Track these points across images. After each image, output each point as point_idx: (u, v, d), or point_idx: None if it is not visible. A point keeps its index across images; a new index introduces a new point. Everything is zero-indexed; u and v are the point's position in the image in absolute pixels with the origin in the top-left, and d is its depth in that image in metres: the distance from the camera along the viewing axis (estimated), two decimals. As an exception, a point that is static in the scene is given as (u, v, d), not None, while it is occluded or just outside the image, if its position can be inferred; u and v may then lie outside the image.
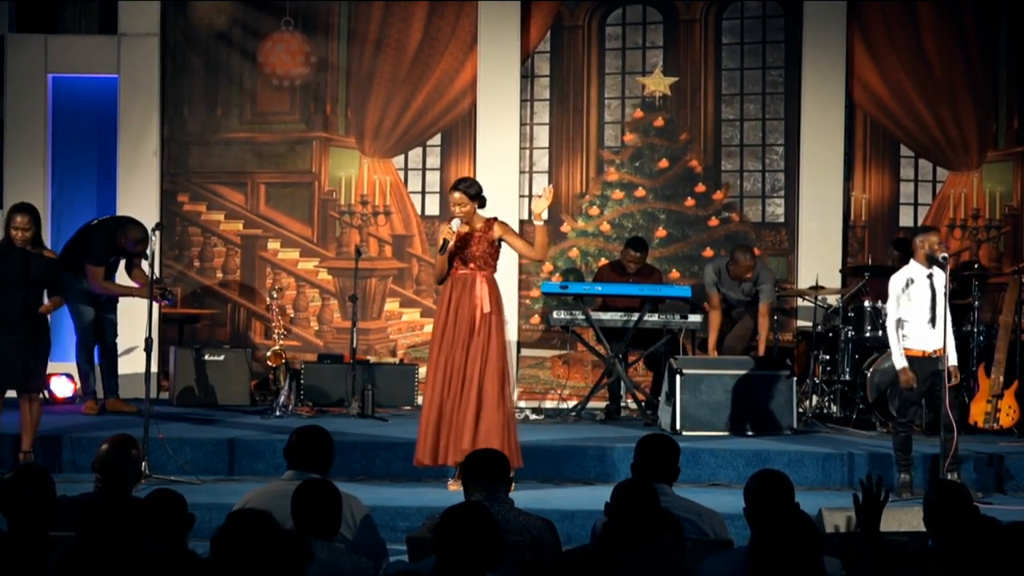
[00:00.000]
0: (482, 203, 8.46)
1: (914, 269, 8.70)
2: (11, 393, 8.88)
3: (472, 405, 8.29)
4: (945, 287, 8.59)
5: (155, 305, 9.07)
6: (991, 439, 9.88)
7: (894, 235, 11.78)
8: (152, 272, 9.03)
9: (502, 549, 4.49)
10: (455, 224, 8.36)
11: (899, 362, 8.69)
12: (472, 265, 8.42)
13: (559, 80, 12.01)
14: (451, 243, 8.35)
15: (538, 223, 8.46)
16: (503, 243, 8.51)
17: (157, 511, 4.83)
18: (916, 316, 8.66)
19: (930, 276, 8.69)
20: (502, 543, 4.50)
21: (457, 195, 8.40)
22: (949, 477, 8.40)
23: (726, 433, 9.98)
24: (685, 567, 4.70)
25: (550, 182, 11.90)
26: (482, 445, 8.03)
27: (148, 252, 9.05)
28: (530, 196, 11.90)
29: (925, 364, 8.64)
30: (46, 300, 8.88)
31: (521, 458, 8.47)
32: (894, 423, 8.96)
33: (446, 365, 8.37)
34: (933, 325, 8.64)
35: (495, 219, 8.52)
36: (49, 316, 8.95)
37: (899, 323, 8.67)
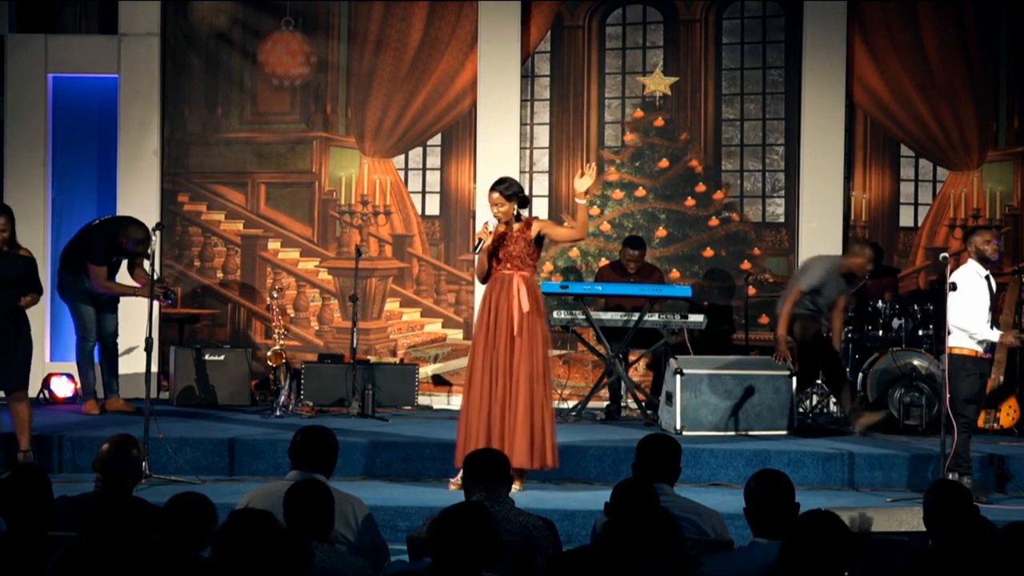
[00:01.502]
0: (522, 203, 8.47)
1: (976, 269, 8.70)
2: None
3: (520, 405, 8.29)
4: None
5: (155, 305, 9.07)
6: (991, 439, 9.89)
7: (894, 235, 11.81)
8: (153, 272, 9.04)
9: (498, 550, 4.48)
10: (491, 224, 8.38)
11: (994, 335, 8.63)
12: (509, 265, 8.42)
13: (559, 80, 12.01)
14: (486, 243, 8.36)
15: (580, 202, 8.43)
16: (545, 239, 8.52)
17: (183, 513, 4.81)
18: (973, 314, 8.65)
19: (987, 277, 8.70)
20: (498, 544, 4.49)
21: (495, 196, 8.42)
22: (950, 477, 8.42)
23: (726, 433, 9.98)
24: None
25: (550, 182, 11.92)
26: (533, 444, 8.16)
27: (150, 252, 9.07)
28: (530, 195, 11.90)
29: (980, 364, 8.65)
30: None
31: (558, 458, 8.51)
32: (959, 423, 8.59)
33: (492, 367, 8.36)
34: (994, 325, 8.65)
35: (535, 217, 8.55)
36: (28, 313, 8.90)
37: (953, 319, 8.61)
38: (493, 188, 8.47)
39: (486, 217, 8.57)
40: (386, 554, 5.68)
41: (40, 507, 4.97)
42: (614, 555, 4.50)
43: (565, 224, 11.11)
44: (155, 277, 9.09)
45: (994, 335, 8.64)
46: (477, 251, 8.42)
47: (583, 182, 8.36)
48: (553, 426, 8.46)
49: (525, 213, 8.52)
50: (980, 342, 8.62)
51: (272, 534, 4.25)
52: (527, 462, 8.26)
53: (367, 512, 5.74)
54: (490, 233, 8.36)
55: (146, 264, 9.33)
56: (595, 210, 12.01)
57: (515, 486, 8.30)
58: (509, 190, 8.43)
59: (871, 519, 6.04)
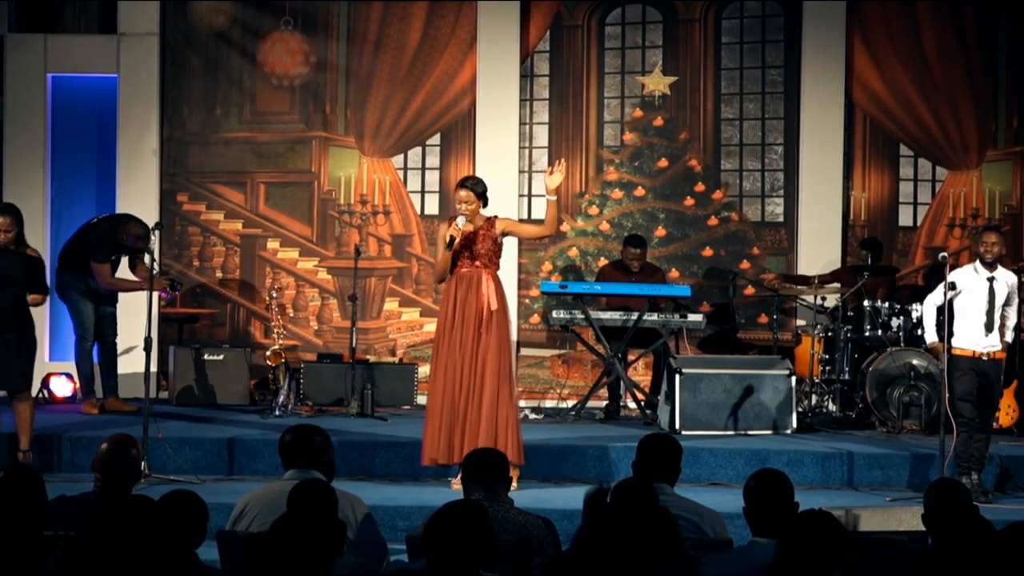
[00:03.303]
0: (486, 202, 8.48)
1: (974, 268, 8.74)
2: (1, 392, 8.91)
3: (485, 402, 8.31)
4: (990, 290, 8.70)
5: (155, 303, 9.06)
6: (991, 438, 9.87)
7: (894, 235, 11.81)
8: (153, 266, 9.03)
9: (495, 549, 4.47)
10: (460, 221, 8.37)
11: (930, 337, 8.76)
12: (478, 263, 8.42)
13: (558, 79, 12.01)
14: (458, 240, 8.36)
15: (551, 198, 8.43)
16: (508, 237, 8.55)
17: (176, 512, 4.81)
18: (966, 314, 8.68)
19: (991, 279, 8.70)
20: (495, 542, 4.48)
21: (465, 192, 8.42)
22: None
23: (726, 432, 9.98)
24: None
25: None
26: (497, 442, 8.15)
27: (150, 247, 9.10)
28: (530, 195, 11.91)
29: (975, 363, 8.65)
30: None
31: (523, 455, 8.50)
32: (956, 422, 8.62)
33: (456, 363, 8.36)
34: (988, 329, 8.64)
35: (495, 216, 8.54)
36: (32, 313, 8.92)
37: (940, 312, 8.67)
38: (462, 185, 8.48)
39: (449, 216, 8.58)
40: (385, 552, 5.67)
41: (34, 507, 4.95)
42: (614, 555, 4.50)
43: (562, 227, 11.12)
44: (158, 270, 9.11)
45: (931, 337, 8.75)
46: (449, 248, 8.38)
47: (554, 179, 8.36)
48: (518, 424, 8.49)
49: (486, 212, 8.53)
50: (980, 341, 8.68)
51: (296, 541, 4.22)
52: None
53: (366, 511, 5.73)
54: (460, 230, 8.35)
55: (147, 259, 9.34)
56: (594, 209, 12.01)
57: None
58: (479, 187, 8.46)
59: (858, 516, 6.07)
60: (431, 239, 12.01)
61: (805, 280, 11.24)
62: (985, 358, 8.70)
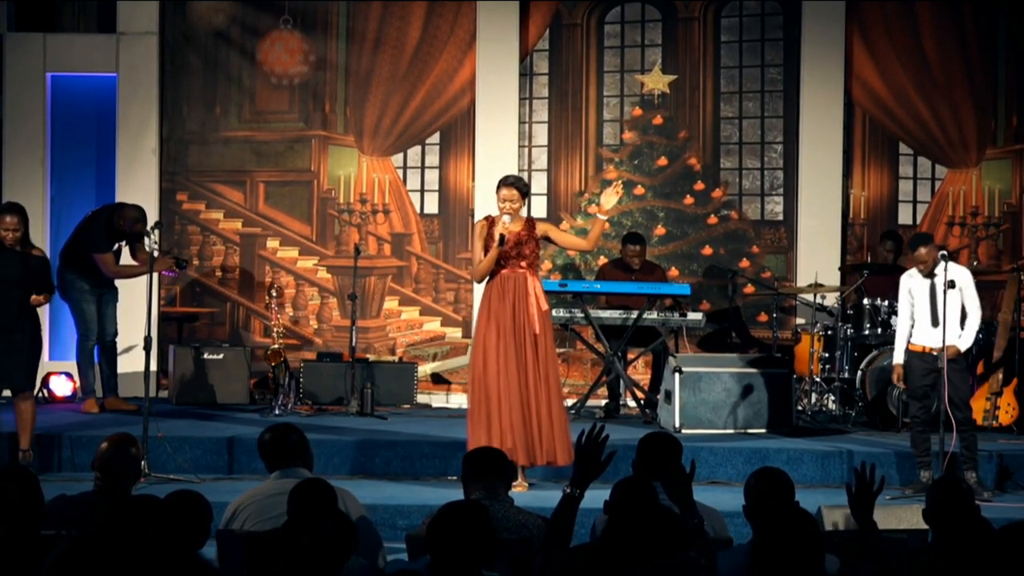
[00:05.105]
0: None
1: (913, 272, 8.83)
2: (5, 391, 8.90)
3: (553, 403, 8.32)
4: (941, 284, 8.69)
5: (155, 301, 9.06)
6: (991, 437, 9.88)
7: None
8: (153, 249, 9.03)
9: (496, 548, 4.48)
10: (507, 220, 8.32)
11: (894, 358, 8.96)
12: (524, 264, 8.39)
13: (558, 78, 12.01)
14: (509, 239, 8.31)
15: (602, 217, 8.45)
16: (547, 240, 8.58)
17: (180, 512, 4.81)
18: (918, 314, 8.81)
19: (931, 275, 8.75)
20: (497, 541, 4.49)
21: (512, 192, 8.38)
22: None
23: (725, 431, 9.98)
24: None
25: (548, 181, 11.92)
26: (566, 441, 8.21)
27: (148, 229, 9.13)
28: (529, 193, 11.89)
29: (925, 359, 8.71)
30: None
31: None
32: (910, 419, 9.02)
33: (517, 366, 8.29)
34: (935, 323, 8.68)
35: (533, 218, 8.55)
36: (39, 313, 8.92)
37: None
38: (509, 184, 8.41)
39: (485, 215, 8.56)
40: (380, 548, 5.64)
41: (31, 507, 4.95)
42: (614, 553, 4.51)
43: (561, 226, 11.12)
44: (158, 251, 9.16)
45: (897, 358, 8.95)
46: (501, 245, 8.31)
47: (610, 200, 8.39)
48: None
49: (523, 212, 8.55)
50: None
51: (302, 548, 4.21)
52: (568, 459, 8.27)
53: (359, 505, 5.72)
54: (509, 229, 8.31)
55: (146, 242, 9.34)
56: (593, 208, 11.95)
57: (522, 486, 8.32)
58: (523, 186, 8.44)
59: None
60: (431, 238, 12.01)
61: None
62: (935, 353, 8.68)
